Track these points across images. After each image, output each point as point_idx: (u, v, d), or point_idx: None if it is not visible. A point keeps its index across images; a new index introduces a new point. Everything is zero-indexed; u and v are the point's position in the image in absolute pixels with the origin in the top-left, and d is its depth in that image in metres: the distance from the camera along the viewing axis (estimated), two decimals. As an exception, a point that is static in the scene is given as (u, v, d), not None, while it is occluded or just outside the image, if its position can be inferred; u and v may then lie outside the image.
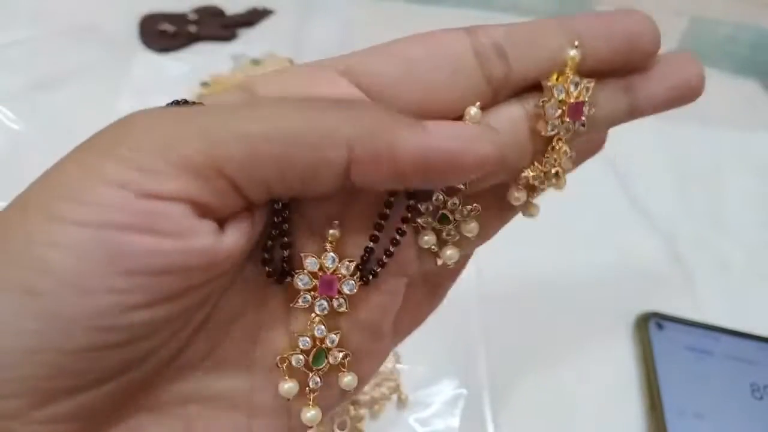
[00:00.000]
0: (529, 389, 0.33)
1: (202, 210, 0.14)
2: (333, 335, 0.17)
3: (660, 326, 0.36)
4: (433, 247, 0.18)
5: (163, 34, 0.49)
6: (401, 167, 0.15)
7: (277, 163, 0.14)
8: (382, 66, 0.16)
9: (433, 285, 0.20)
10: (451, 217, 0.18)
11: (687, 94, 0.18)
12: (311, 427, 0.17)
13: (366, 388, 0.31)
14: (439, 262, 0.18)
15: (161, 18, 0.51)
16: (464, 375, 0.33)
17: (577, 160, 0.19)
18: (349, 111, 0.15)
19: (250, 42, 0.52)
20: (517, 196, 0.18)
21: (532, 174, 0.18)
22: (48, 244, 0.13)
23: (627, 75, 0.18)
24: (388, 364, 0.32)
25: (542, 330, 0.36)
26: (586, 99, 0.17)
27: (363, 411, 0.31)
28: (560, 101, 0.17)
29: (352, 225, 0.17)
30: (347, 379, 0.17)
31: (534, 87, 0.18)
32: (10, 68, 0.44)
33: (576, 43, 0.17)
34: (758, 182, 0.49)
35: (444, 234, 0.18)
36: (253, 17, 0.55)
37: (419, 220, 0.18)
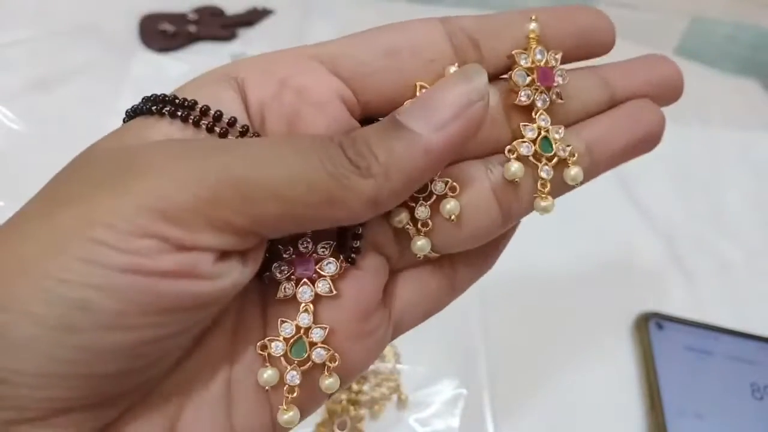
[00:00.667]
0: (529, 389, 0.33)
1: (230, 252, 0.14)
2: (320, 329, 0.16)
3: (660, 326, 0.36)
4: (407, 226, 0.17)
5: (162, 34, 0.49)
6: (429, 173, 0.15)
7: (308, 221, 0.15)
8: (363, 55, 0.17)
9: (447, 274, 0.19)
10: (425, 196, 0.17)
11: (666, 93, 0.19)
12: (288, 428, 0.17)
13: (366, 387, 0.31)
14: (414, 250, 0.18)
15: (161, 18, 0.51)
16: (464, 375, 0.33)
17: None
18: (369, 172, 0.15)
19: (249, 42, 0.52)
20: (514, 170, 0.17)
21: (520, 146, 0.18)
22: (87, 285, 0.13)
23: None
24: (388, 364, 0.32)
25: (542, 330, 0.36)
26: (557, 66, 0.18)
27: (363, 411, 0.31)
28: (528, 68, 0.18)
29: None
30: (329, 382, 0.16)
31: (506, 71, 0.18)
32: (10, 68, 0.44)
33: (533, 17, 0.18)
34: (758, 182, 0.49)
35: (420, 213, 0.17)
36: (252, 17, 0.55)
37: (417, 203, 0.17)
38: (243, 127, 0.16)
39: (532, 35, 0.18)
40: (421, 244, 0.17)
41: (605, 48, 0.19)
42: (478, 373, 0.33)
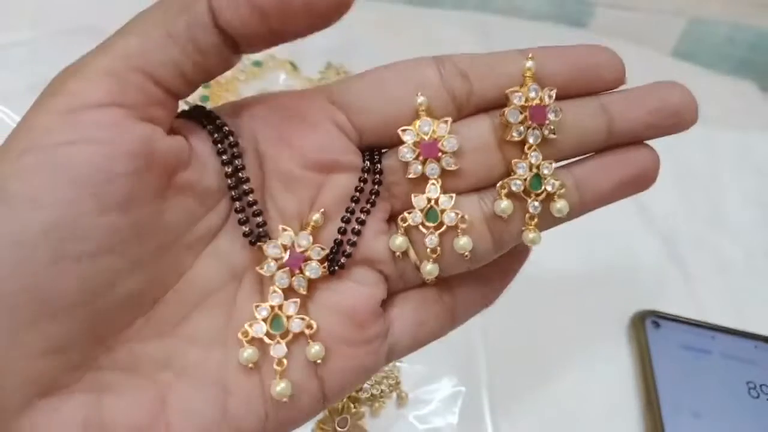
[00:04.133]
0: (527, 387, 0.34)
1: (133, 112, 0.15)
2: (292, 303, 0.18)
3: (657, 325, 0.36)
4: (398, 254, 0.19)
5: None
6: (259, 3, 0.15)
7: (166, 37, 0.16)
8: (359, 87, 0.19)
9: (447, 304, 0.20)
10: (439, 217, 0.19)
11: (671, 120, 0.19)
12: (284, 401, 0.17)
13: (366, 385, 0.31)
14: (423, 273, 0.19)
15: (162, 19, 0.51)
16: (463, 373, 0.33)
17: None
18: None
19: (250, 43, 0.52)
20: (503, 207, 0.18)
21: (511, 183, 0.19)
22: (4, 177, 0.14)
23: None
24: (387, 362, 0.33)
25: (540, 328, 0.36)
26: (550, 105, 0.18)
27: (363, 408, 0.31)
28: (522, 107, 0.18)
29: (328, 213, 0.18)
30: (315, 350, 0.18)
31: (502, 106, 0.19)
32: (10, 69, 0.44)
33: (530, 54, 0.18)
34: (756, 182, 0.49)
35: (430, 242, 0.19)
36: (253, 18, 0.55)
37: (407, 215, 0.19)
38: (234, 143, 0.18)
39: (528, 73, 0.18)
40: (430, 269, 0.19)
41: (612, 84, 0.19)
42: (477, 371, 0.33)
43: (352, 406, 0.30)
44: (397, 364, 0.33)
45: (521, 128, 0.18)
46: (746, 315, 0.38)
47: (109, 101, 0.15)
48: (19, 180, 0.14)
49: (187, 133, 0.18)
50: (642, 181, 0.20)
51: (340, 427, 0.30)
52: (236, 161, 0.17)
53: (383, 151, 0.19)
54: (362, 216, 0.18)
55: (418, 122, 0.18)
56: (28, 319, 0.14)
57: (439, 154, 0.18)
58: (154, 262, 0.16)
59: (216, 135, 0.18)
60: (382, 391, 0.31)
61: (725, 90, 0.58)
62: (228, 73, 0.48)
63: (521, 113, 0.18)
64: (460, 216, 0.19)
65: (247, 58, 0.50)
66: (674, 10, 0.60)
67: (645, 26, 0.61)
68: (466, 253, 0.18)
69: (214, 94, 0.44)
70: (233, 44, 0.16)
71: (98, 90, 0.15)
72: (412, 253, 0.19)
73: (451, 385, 0.32)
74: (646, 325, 0.36)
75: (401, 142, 0.19)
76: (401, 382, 0.32)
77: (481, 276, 0.21)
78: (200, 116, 0.18)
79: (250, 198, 0.18)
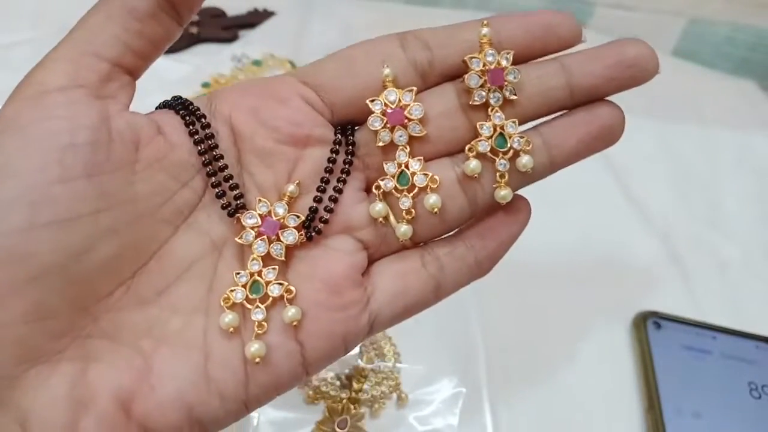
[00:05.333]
0: (527, 388, 0.33)
1: (90, 91, 0.17)
2: (271, 270, 0.19)
3: (658, 325, 0.36)
4: (380, 220, 0.20)
5: (163, 36, 0.49)
6: None
7: (106, 18, 0.18)
8: (327, 66, 0.20)
9: (432, 273, 0.20)
10: (410, 180, 0.20)
11: (629, 72, 0.19)
12: (257, 362, 0.18)
13: (366, 386, 0.31)
14: (398, 234, 0.20)
15: (162, 19, 0.51)
16: (463, 374, 0.33)
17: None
18: None
19: (251, 43, 0.52)
20: (472, 167, 0.19)
21: (478, 144, 0.19)
22: None
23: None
24: (388, 363, 0.33)
25: (541, 329, 0.36)
26: (507, 66, 0.19)
27: (363, 410, 0.31)
28: (481, 71, 0.19)
29: (303, 187, 0.20)
30: (291, 312, 0.18)
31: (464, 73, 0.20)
32: (11, 69, 0.44)
33: (485, 22, 0.19)
34: (755, 182, 0.49)
35: (403, 203, 0.20)
36: (254, 19, 0.55)
37: (380, 182, 0.20)
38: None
39: (484, 39, 0.19)
40: (404, 230, 0.20)
41: (569, 41, 0.20)
42: (478, 371, 0.33)
43: (351, 407, 0.30)
44: (398, 364, 0.33)
45: (482, 92, 0.19)
46: (746, 315, 0.38)
47: (68, 84, 0.17)
48: None
49: (160, 118, 0.19)
50: (607, 136, 0.20)
51: (340, 428, 0.29)
52: (209, 141, 0.19)
53: (356, 127, 0.21)
54: (339, 185, 0.20)
55: (384, 92, 0.19)
56: (7, 283, 0.16)
57: (406, 121, 0.19)
58: (129, 230, 0.18)
59: (188, 117, 0.19)
60: (382, 392, 0.31)
61: (725, 90, 0.58)
62: (227, 73, 0.48)
63: (480, 77, 0.19)
64: (430, 176, 0.20)
65: (247, 57, 0.50)
66: (674, 10, 0.60)
67: (645, 26, 0.61)
68: (435, 209, 0.19)
69: (202, 94, 0.45)
70: (170, 7, 0.18)
71: (57, 75, 0.17)
72: (392, 218, 0.20)
73: (452, 386, 0.32)
74: (647, 325, 0.36)
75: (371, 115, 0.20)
76: (401, 383, 0.32)
77: (471, 245, 0.21)
78: (177, 105, 0.20)
79: (226, 173, 0.19)
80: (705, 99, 0.56)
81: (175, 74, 0.47)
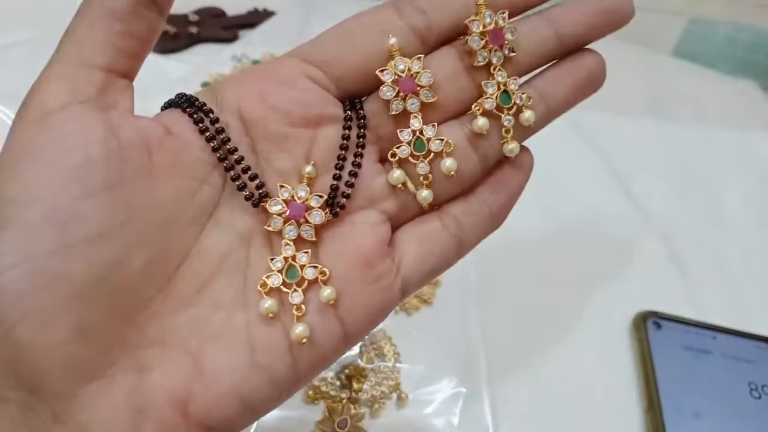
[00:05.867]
0: (527, 388, 0.33)
1: (92, 104, 0.17)
2: (303, 254, 0.19)
3: (658, 325, 0.36)
4: (399, 186, 0.20)
5: (164, 36, 0.49)
6: None
7: (89, 26, 0.18)
8: (327, 42, 0.20)
9: (452, 232, 0.21)
10: (426, 146, 0.20)
11: (609, 18, 0.21)
12: (303, 342, 0.18)
13: (366, 386, 0.31)
14: (419, 200, 0.20)
15: (162, 19, 0.51)
16: (463, 374, 0.33)
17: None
18: None
19: (251, 43, 0.52)
20: (480, 124, 0.20)
21: (485, 102, 0.20)
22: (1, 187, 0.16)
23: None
24: (388, 363, 0.33)
25: (541, 329, 0.36)
26: (505, 25, 0.20)
27: (363, 410, 0.31)
28: (481, 33, 0.20)
29: (322, 166, 0.20)
30: (327, 293, 0.19)
31: (461, 34, 0.21)
32: (11, 69, 0.45)
33: None
34: (756, 182, 0.49)
35: (421, 169, 0.20)
36: (254, 18, 0.55)
37: (396, 150, 0.20)
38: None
39: (480, 1, 0.20)
40: (425, 195, 0.20)
41: None
42: (478, 371, 0.33)
43: (352, 407, 0.30)
44: (398, 364, 0.33)
45: (484, 53, 0.20)
46: (746, 315, 0.38)
47: (69, 101, 0.17)
48: (13, 182, 0.16)
49: (167, 118, 0.19)
50: (594, 81, 0.21)
51: (340, 428, 0.29)
52: (221, 135, 0.19)
53: (363, 99, 0.21)
54: (357, 159, 0.20)
55: (392, 62, 0.20)
56: (50, 305, 0.16)
57: (417, 88, 0.20)
58: (158, 237, 0.18)
59: (195, 115, 0.19)
60: (382, 392, 0.31)
61: (726, 89, 0.58)
62: (227, 73, 0.48)
63: (482, 39, 0.20)
64: (445, 141, 0.20)
65: (247, 57, 0.50)
66: (674, 10, 0.60)
67: (645, 26, 0.60)
68: (452, 172, 0.20)
69: (205, 87, 0.45)
70: (148, 1, 0.18)
71: (57, 95, 0.17)
72: (410, 184, 0.20)
73: (452, 386, 0.32)
74: (647, 325, 0.36)
75: (377, 87, 0.20)
76: (401, 383, 0.32)
77: (484, 200, 0.22)
78: (182, 103, 0.19)
79: (243, 164, 0.19)
80: (705, 99, 0.56)
81: (175, 74, 0.47)
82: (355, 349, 0.33)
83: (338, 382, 0.31)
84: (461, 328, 0.35)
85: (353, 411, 0.30)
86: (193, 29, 0.52)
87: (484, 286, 0.37)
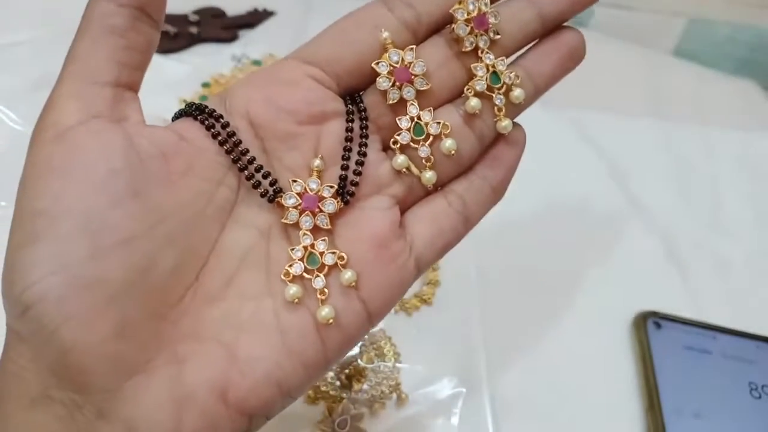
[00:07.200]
0: (528, 388, 0.33)
1: (106, 118, 0.18)
2: (321, 241, 0.20)
3: (658, 325, 0.36)
4: (404, 171, 0.21)
5: (164, 36, 0.49)
6: None
7: (92, 44, 0.19)
8: (324, 42, 0.22)
9: (458, 209, 0.22)
10: (425, 130, 0.21)
11: None
12: (330, 323, 0.19)
13: (366, 386, 0.31)
14: (424, 181, 0.22)
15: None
16: (463, 374, 0.33)
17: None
18: None
19: (251, 43, 0.52)
20: (473, 104, 0.21)
21: (476, 84, 0.21)
22: (35, 202, 0.17)
23: None
24: (388, 363, 0.33)
25: (541, 329, 0.36)
26: (487, 11, 0.21)
27: (363, 410, 0.31)
28: (466, 20, 0.21)
29: (330, 159, 0.21)
30: (348, 275, 0.20)
31: (448, 23, 0.22)
32: (11, 69, 0.45)
33: None
34: (756, 182, 0.49)
35: (422, 152, 0.21)
36: (254, 18, 0.55)
37: (397, 137, 0.21)
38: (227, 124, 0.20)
39: None
40: (429, 176, 0.22)
41: None
42: (477, 371, 0.33)
43: (351, 407, 0.30)
44: (398, 364, 0.33)
45: (471, 38, 0.21)
46: (746, 315, 0.38)
47: (84, 117, 0.18)
48: (43, 196, 0.17)
49: (179, 127, 0.20)
50: (575, 56, 0.22)
51: (340, 428, 0.29)
52: (232, 138, 0.20)
53: (361, 93, 0.22)
54: (363, 149, 0.21)
55: (387, 54, 0.21)
56: (90, 307, 0.17)
57: (412, 77, 0.21)
58: (183, 237, 0.19)
59: (206, 121, 0.20)
60: (382, 392, 0.31)
61: (726, 90, 0.58)
62: (227, 73, 0.48)
63: (467, 25, 0.21)
64: (442, 123, 0.21)
65: (247, 57, 0.50)
66: (675, 10, 0.60)
67: (645, 26, 0.61)
68: (452, 152, 0.21)
69: (213, 94, 0.45)
70: (143, 15, 0.19)
71: (71, 113, 0.18)
72: (413, 167, 0.22)
73: (452, 386, 0.32)
74: (647, 325, 0.36)
75: (374, 80, 0.21)
76: (401, 383, 0.32)
77: (484, 176, 0.23)
78: (192, 111, 0.21)
79: (255, 164, 0.20)
80: (706, 99, 0.56)
81: (175, 74, 0.47)
82: (355, 349, 0.33)
83: (338, 382, 0.31)
84: (461, 328, 0.35)
85: (353, 411, 0.30)
86: (193, 29, 0.52)
87: (484, 286, 0.37)
